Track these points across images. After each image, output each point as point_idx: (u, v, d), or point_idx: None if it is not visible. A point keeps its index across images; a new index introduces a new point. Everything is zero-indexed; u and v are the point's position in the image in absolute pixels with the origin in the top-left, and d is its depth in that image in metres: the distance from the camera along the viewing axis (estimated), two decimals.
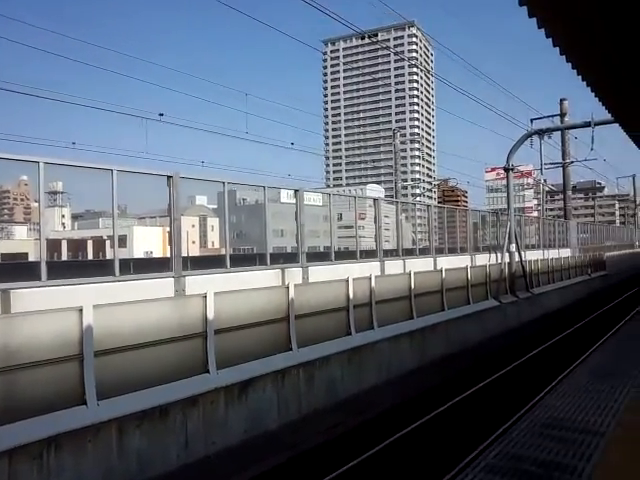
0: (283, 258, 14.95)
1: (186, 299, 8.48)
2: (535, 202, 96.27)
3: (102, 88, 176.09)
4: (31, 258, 33.83)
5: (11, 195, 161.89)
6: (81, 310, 6.62)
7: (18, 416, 5.83)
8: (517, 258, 20.95)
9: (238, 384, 8.31)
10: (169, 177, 9.01)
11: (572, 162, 33.57)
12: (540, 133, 24.29)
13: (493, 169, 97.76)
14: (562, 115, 31.97)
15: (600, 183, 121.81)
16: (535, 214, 69.26)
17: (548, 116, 29.28)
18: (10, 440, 5.60)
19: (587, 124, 21.56)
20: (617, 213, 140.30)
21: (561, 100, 32.77)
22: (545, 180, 61.23)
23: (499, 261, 20.17)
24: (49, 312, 6.61)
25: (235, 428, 8.23)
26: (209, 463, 7.71)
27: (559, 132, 31.10)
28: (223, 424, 8.05)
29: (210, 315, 8.16)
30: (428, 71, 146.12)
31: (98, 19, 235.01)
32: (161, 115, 22.10)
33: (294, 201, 12.27)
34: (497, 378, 13.49)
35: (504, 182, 24.38)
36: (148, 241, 54.86)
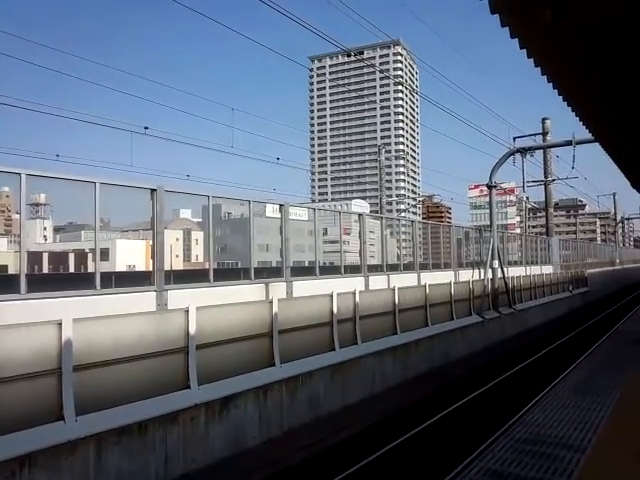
0: (267, 272, 14.90)
1: (168, 313, 8.39)
2: (518, 219, 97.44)
3: (88, 101, 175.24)
4: (11, 271, 33.24)
5: None
6: (60, 324, 6.52)
7: None
8: (500, 274, 21.12)
9: (219, 400, 8.21)
10: (153, 190, 8.97)
11: (554, 180, 34.09)
12: (522, 151, 24.63)
13: (476, 186, 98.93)
14: (544, 134, 32.48)
15: (581, 201, 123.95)
16: (518, 231, 70.08)
17: (530, 135, 29.69)
18: None
19: (568, 143, 21.98)
20: (598, 230, 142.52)
21: (543, 119, 33.34)
22: (527, 197, 62.11)
23: (482, 277, 20.32)
24: (27, 326, 6.50)
25: (215, 445, 8.12)
26: None
27: (541, 150, 31.59)
28: (203, 441, 7.94)
29: (192, 330, 8.08)
30: (413, 89, 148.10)
31: (84, 31, 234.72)
32: (146, 128, 22.03)
33: (279, 216, 12.28)
34: (480, 394, 13.50)
35: (487, 199, 24.68)
36: (131, 254, 54.32)
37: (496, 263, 21.01)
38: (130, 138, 21.91)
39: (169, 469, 7.38)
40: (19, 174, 7.17)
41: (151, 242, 9.45)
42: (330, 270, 15.88)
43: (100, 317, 7.23)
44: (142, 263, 48.50)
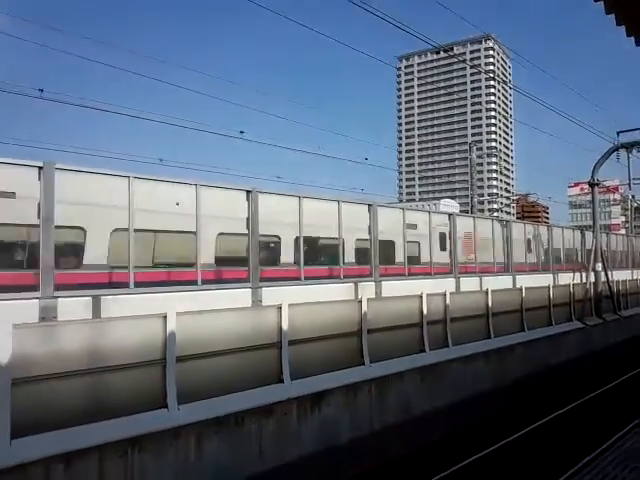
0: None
1: (263, 309, 8.67)
2: (623, 219, 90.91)
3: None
4: None
5: None
6: (165, 317, 6.91)
7: (105, 416, 6.15)
8: (603, 278, 19.82)
9: (310, 396, 8.34)
10: (248, 192, 9.32)
11: None
12: (628, 146, 22.98)
13: (577, 184, 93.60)
14: None
15: None
16: (623, 231, 65.25)
17: (636, 129, 27.60)
18: (99, 437, 5.92)
19: None
20: None
21: None
22: (633, 196, 57.66)
23: (584, 280, 19.17)
24: (135, 318, 6.96)
25: (307, 440, 8.25)
26: (281, 473, 7.77)
27: None
28: (295, 435, 8.10)
29: (285, 326, 8.28)
30: (505, 83, 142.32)
31: (179, 41, 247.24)
32: (242, 132, 22.92)
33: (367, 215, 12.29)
34: (580, 404, 12.76)
35: (589, 198, 23.22)
36: None
37: (599, 266, 19.75)
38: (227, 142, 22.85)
39: (263, 460, 7.60)
40: (128, 177, 7.70)
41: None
42: None
43: (200, 311, 7.59)
44: None
